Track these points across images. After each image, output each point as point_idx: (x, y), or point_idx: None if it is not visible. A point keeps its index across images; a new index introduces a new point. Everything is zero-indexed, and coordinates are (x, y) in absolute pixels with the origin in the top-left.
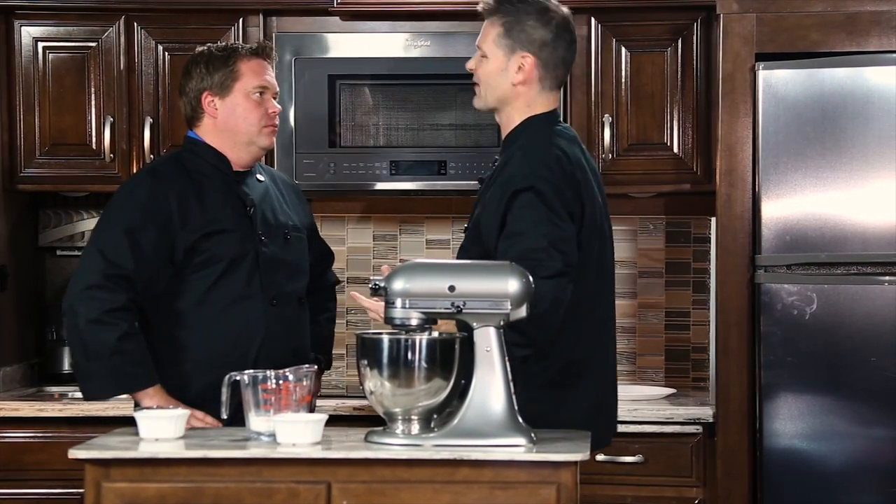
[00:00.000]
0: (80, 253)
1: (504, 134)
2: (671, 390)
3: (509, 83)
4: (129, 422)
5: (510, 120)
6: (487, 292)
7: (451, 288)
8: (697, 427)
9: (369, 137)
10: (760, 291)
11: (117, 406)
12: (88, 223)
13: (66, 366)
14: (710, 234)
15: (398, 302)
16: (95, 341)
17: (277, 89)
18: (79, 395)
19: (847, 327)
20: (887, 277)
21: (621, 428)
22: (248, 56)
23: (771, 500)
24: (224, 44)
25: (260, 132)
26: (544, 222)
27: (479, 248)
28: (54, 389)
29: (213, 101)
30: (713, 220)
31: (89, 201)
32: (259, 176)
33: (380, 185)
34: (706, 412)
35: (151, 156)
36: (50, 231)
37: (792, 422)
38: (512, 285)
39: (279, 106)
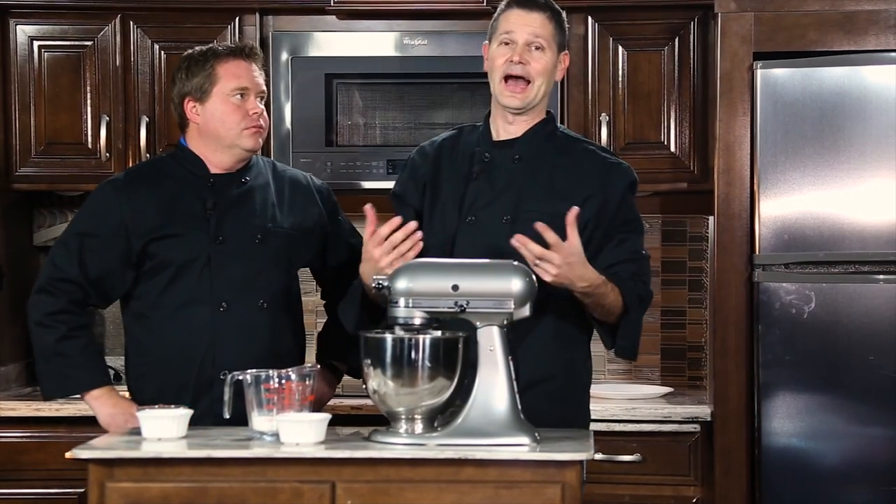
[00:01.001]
0: None
1: (517, 129)
2: (668, 389)
3: (554, 79)
4: None
5: (533, 117)
6: (491, 291)
7: (455, 287)
8: (695, 426)
9: (366, 136)
10: (759, 290)
11: None
12: None
13: None
14: (705, 232)
15: (401, 301)
16: (39, 343)
17: (262, 89)
18: (74, 395)
19: (845, 326)
20: (886, 276)
21: (619, 427)
22: (225, 58)
23: (769, 499)
24: (204, 47)
25: (240, 135)
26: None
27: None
28: None
29: (194, 106)
30: (711, 218)
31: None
32: (247, 177)
33: (376, 184)
34: (704, 411)
35: (147, 155)
36: (45, 230)
37: (790, 420)
38: (515, 284)
39: (261, 106)
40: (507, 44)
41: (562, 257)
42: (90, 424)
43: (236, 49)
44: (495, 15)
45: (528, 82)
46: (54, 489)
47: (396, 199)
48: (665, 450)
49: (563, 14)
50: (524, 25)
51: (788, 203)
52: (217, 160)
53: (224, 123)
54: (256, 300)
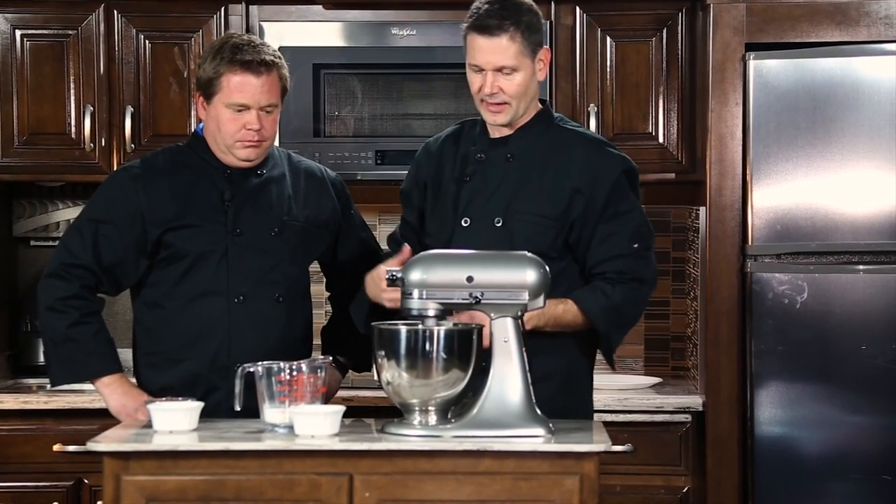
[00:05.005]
0: (54, 243)
1: (513, 125)
2: (657, 379)
3: (537, 82)
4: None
5: (526, 113)
6: (505, 283)
7: (469, 278)
8: (686, 416)
9: (354, 127)
10: (751, 281)
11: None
12: (64, 213)
13: (42, 357)
14: (690, 223)
15: (415, 292)
16: (50, 328)
17: (268, 103)
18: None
19: (838, 316)
20: (877, 266)
21: (610, 417)
22: (233, 70)
23: (761, 488)
24: (230, 40)
25: (234, 145)
26: (639, 201)
27: (547, 236)
28: (31, 381)
29: (202, 101)
30: (702, 209)
31: (64, 191)
32: (263, 169)
33: (365, 175)
34: (696, 401)
35: (132, 145)
36: (24, 221)
37: (782, 410)
38: (529, 276)
39: (257, 124)
40: (477, 70)
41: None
42: (78, 417)
43: (247, 62)
44: (462, 31)
45: (506, 103)
46: (42, 482)
47: (403, 198)
48: (656, 440)
49: (531, 11)
50: (489, 55)
51: (781, 194)
52: (221, 157)
53: (220, 130)
54: (273, 293)
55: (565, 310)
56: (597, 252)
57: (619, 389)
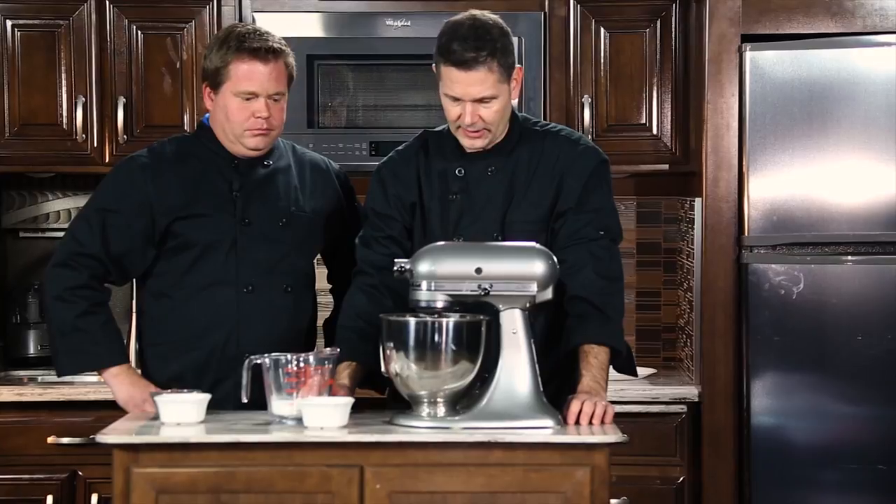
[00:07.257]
0: (44, 235)
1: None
2: (650, 370)
3: (512, 102)
4: (111, 405)
5: (504, 128)
6: (514, 274)
7: (478, 270)
8: (682, 406)
9: (348, 118)
10: (747, 272)
11: (99, 390)
12: (54, 204)
13: (32, 349)
14: (683, 214)
15: (424, 284)
16: (57, 318)
17: (276, 91)
18: (49, 378)
19: (834, 306)
20: (873, 257)
21: None
22: (241, 58)
23: (757, 478)
24: (235, 30)
25: (243, 134)
26: (612, 195)
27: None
28: (22, 373)
29: (210, 92)
30: (698, 200)
31: (55, 182)
32: (270, 160)
33: (359, 166)
34: (692, 392)
35: (125, 136)
36: (14, 212)
37: (778, 400)
38: (538, 267)
39: (268, 111)
40: (454, 100)
41: (589, 407)
42: (73, 409)
43: (255, 50)
44: (434, 58)
45: (486, 129)
46: (36, 475)
47: (380, 218)
48: (651, 430)
49: (502, 33)
50: (467, 87)
51: (777, 184)
52: (229, 147)
53: (228, 120)
54: (281, 284)
55: (595, 355)
56: (561, 238)
57: (614, 380)
